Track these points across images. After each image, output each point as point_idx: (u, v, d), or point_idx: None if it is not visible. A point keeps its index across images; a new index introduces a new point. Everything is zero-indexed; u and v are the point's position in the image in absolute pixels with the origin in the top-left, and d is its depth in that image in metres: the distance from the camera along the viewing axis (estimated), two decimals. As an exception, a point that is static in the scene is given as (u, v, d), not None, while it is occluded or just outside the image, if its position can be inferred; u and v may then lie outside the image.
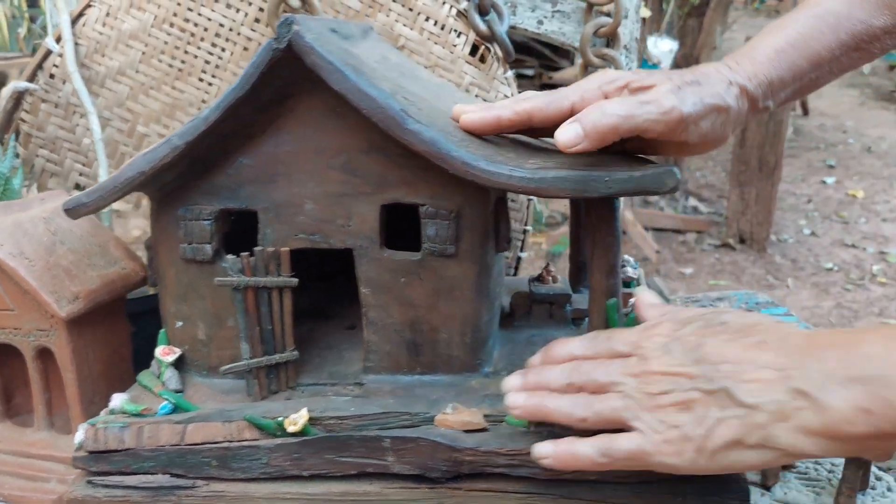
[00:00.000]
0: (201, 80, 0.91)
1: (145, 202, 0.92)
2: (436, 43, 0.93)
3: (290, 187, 0.62)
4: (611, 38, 0.98)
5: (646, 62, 3.03)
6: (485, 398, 0.62)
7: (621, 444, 0.50)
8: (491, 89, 0.94)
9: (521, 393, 0.55)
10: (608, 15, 0.96)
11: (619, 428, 0.50)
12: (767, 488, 0.66)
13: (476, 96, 0.94)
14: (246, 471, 0.58)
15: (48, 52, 0.89)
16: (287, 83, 0.59)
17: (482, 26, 0.92)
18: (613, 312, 0.63)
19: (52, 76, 0.90)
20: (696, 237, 3.51)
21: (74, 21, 0.89)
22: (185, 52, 0.90)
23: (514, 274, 1.05)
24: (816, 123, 5.59)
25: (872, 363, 0.43)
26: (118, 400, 0.63)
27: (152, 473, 0.58)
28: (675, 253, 3.32)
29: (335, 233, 0.63)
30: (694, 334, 0.51)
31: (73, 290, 0.65)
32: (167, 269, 0.64)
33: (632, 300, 0.71)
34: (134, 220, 0.96)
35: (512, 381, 0.56)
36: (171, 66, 0.90)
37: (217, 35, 0.89)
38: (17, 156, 0.85)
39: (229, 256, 0.61)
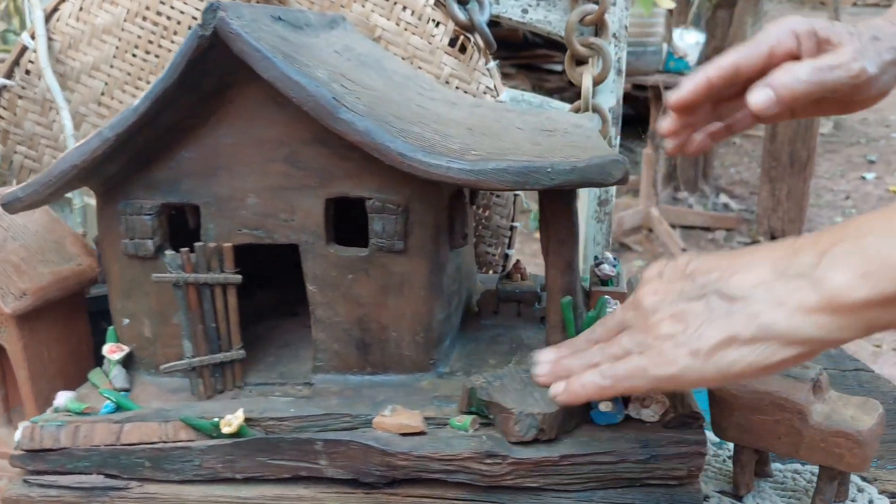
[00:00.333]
0: (176, 74, 0.89)
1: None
2: (413, 34, 0.90)
3: (232, 181, 0.60)
4: (599, 27, 0.94)
5: (671, 55, 2.96)
6: (433, 399, 0.60)
7: (620, 365, 0.49)
8: (472, 81, 0.91)
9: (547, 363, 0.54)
10: (595, 2, 0.93)
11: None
12: (739, 498, 0.62)
13: (457, 88, 0.91)
14: (179, 472, 0.56)
15: (24, 49, 0.89)
16: (226, 72, 0.57)
17: (461, 16, 0.89)
18: (569, 311, 0.60)
19: (27, 72, 0.90)
20: (725, 235, 3.42)
21: (49, 17, 0.88)
22: (160, 45, 0.89)
23: (503, 271, 1.02)
24: (859, 118, 5.40)
25: (864, 229, 0.41)
26: (63, 398, 0.62)
27: (87, 473, 0.57)
28: (702, 251, 3.24)
29: (279, 228, 0.60)
30: (683, 261, 0.49)
31: (21, 286, 0.64)
32: (112, 265, 0.63)
33: (606, 297, 0.68)
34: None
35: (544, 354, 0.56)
36: (145, 60, 0.89)
37: (190, 28, 0.88)
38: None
39: (168, 252, 0.59)
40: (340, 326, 0.62)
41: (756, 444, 0.60)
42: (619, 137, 0.98)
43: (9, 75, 0.90)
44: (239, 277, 0.61)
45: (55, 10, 0.88)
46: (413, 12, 0.89)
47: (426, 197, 0.60)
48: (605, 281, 0.79)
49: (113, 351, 0.64)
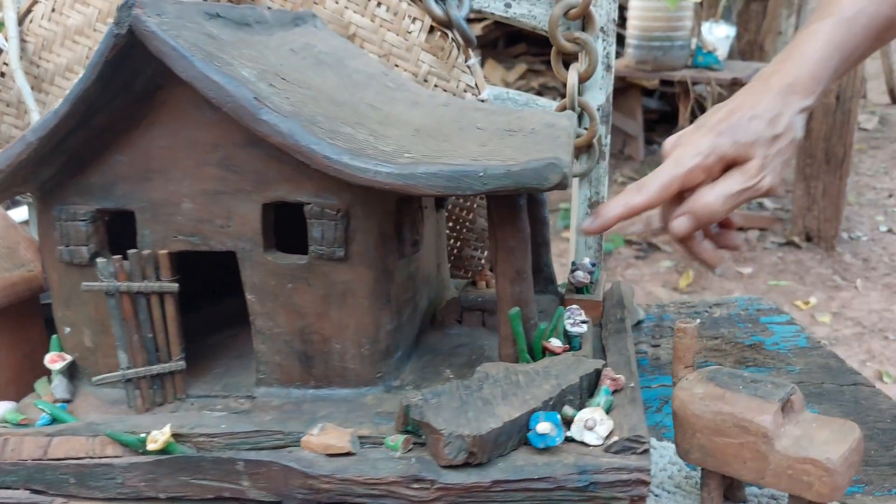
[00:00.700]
0: (149, 75, 0.88)
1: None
2: (389, 30, 0.87)
3: (167, 185, 0.58)
4: (585, 20, 0.90)
5: (700, 49, 2.87)
6: (375, 416, 0.57)
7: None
8: (451, 78, 0.88)
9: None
10: (580, -6, 0.88)
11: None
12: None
13: (435, 86, 0.88)
14: (103, 490, 0.54)
15: (-2, 51, 0.88)
16: (155, 73, 0.55)
17: (438, 11, 0.86)
18: (517, 323, 0.57)
19: (2, 74, 0.89)
20: (758, 234, 3.30)
21: (22, 18, 0.87)
22: (132, 46, 0.87)
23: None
24: (905, 112, 5.20)
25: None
26: (1, 409, 0.60)
27: (14, 488, 0.55)
28: (733, 251, 3.14)
29: (215, 234, 0.58)
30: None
31: (-36, 293, 0.63)
32: (51, 272, 0.61)
33: (562, 308, 0.64)
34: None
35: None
36: (118, 61, 0.88)
37: (161, 28, 0.86)
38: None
39: (100, 259, 0.57)
40: (281, 338, 0.59)
41: (721, 468, 0.55)
42: (609, 136, 0.94)
43: (-16, 78, 0.89)
44: (176, 286, 0.59)
45: (28, 11, 0.88)
46: (388, 8, 0.86)
47: (368, 202, 0.57)
48: (579, 289, 0.75)
49: (54, 360, 0.62)
